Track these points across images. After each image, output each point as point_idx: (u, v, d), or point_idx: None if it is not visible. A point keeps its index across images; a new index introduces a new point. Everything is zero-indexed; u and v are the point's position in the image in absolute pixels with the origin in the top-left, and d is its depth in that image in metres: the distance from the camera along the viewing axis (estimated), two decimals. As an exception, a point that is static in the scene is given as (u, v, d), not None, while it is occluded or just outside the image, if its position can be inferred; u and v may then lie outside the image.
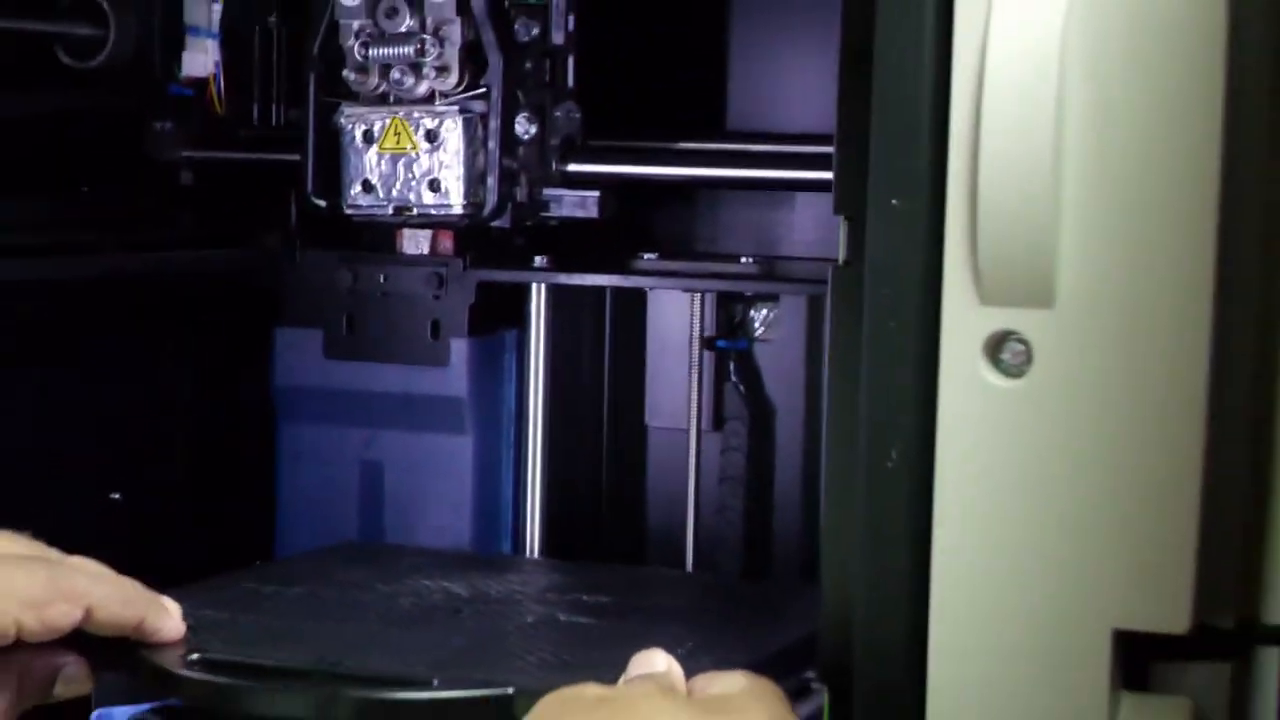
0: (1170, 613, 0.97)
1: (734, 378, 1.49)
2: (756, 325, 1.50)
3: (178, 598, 1.18)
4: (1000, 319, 0.98)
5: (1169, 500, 0.98)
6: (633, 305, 1.51)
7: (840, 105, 1.03)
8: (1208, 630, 0.98)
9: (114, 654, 1.10)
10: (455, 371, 1.46)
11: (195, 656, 1.12)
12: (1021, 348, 0.97)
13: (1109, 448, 0.99)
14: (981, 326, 0.98)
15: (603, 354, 1.53)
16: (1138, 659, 1.01)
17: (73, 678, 1.06)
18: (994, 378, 0.97)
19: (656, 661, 0.97)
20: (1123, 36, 0.97)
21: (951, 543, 1.02)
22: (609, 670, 1.08)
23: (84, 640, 1.07)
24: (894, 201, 0.99)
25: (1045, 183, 0.97)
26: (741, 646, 1.07)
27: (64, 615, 1.03)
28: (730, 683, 0.94)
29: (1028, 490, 1.00)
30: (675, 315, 1.50)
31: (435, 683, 1.13)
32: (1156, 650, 1.01)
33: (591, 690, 0.92)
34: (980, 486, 1.00)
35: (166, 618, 1.08)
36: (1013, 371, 0.97)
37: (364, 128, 1.35)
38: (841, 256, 1.03)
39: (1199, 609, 0.97)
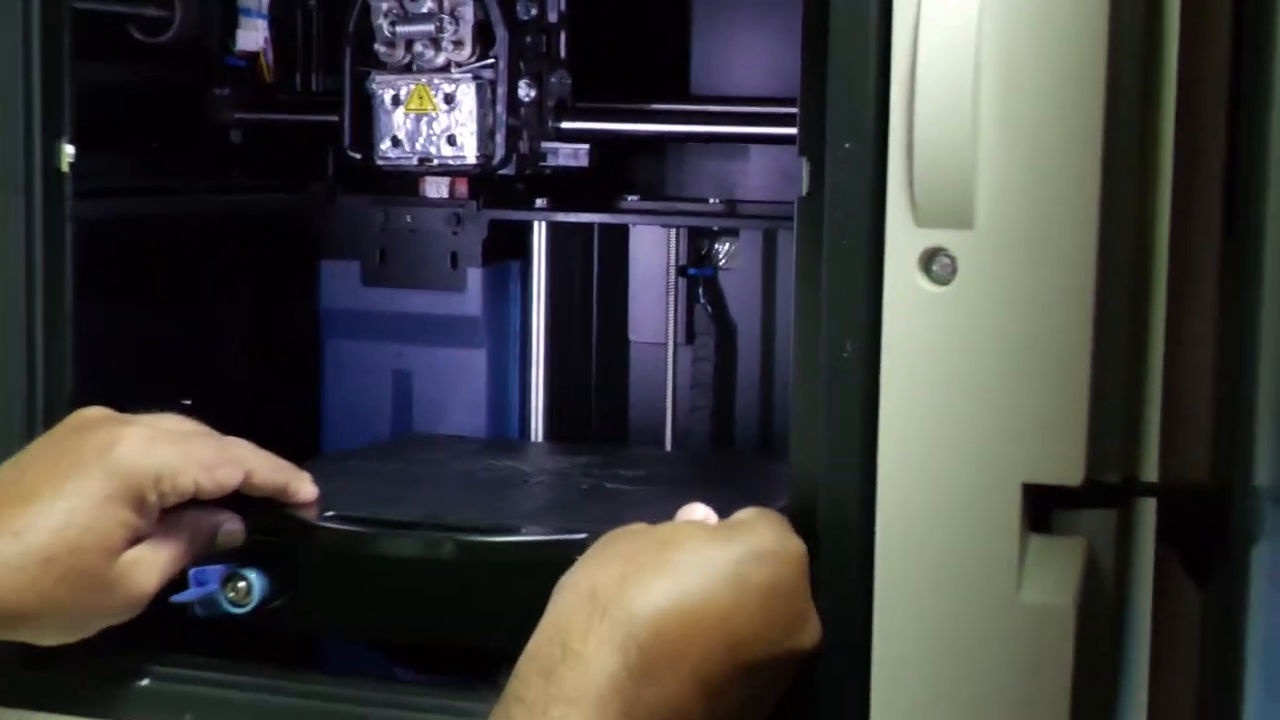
0: (1067, 469, 1.03)
1: (702, 300, 1.52)
2: (720, 256, 1.53)
3: None
4: (931, 238, 1.03)
5: (1065, 380, 1.03)
6: (617, 239, 1.55)
7: (804, 70, 1.07)
8: (1097, 484, 1.04)
9: (261, 513, 1.17)
10: (471, 295, 1.48)
11: (330, 513, 1.18)
12: (948, 261, 1.02)
13: (1018, 338, 1.04)
14: (916, 244, 1.03)
15: (592, 280, 1.56)
16: (1042, 507, 1.06)
17: (231, 532, 1.13)
18: (927, 285, 1.03)
19: (696, 510, 1.05)
20: (1025, 17, 1.01)
21: (895, 416, 1.07)
22: (656, 521, 1.11)
23: (238, 502, 1.13)
24: (846, 145, 1.04)
25: (965, 131, 1.01)
26: (756, 500, 1.11)
27: (230, 477, 1.10)
28: (743, 513, 1.03)
29: (954, 373, 1.05)
30: (652, 248, 1.54)
31: (523, 530, 1.18)
32: (1057, 500, 1.06)
33: (639, 526, 1.01)
34: (916, 371, 1.05)
35: (305, 483, 1.15)
36: (941, 280, 1.03)
37: (392, 92, 1.39)
38: (804, 189, 1.07)
39: (1090, 466, 1.03)
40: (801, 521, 1.08)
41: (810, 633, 1.01)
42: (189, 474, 1.08)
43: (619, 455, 1.47)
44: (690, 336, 1.54)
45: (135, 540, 1.07)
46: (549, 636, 0.94)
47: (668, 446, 1.53)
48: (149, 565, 1.08)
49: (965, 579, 1.05)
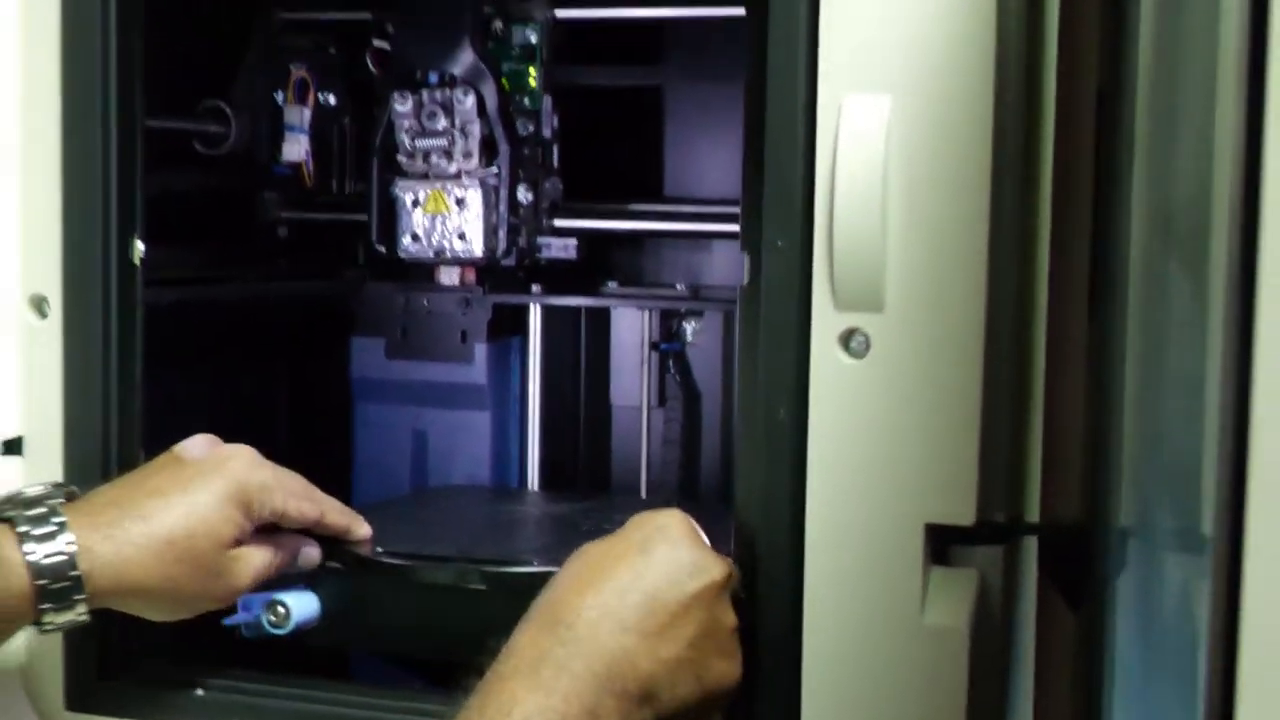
0: (961, 510, 1.03)
1: (672, 370, 1.52)
2: (688, 333, 1.53)
3: None
4: (848, 320, 1.04)
5: (959, 435, 1.03)
6: (601, 319, 1.55)
7: (744, 180, 1.07)
8: (987, 524, 1.05)
9: (328, 545, 1.18)
10: (478, 366, 1.49)
11: (380, 549, 1.19)
12: (863, 338, 1.04)
13: (920, 401, 1.04)
14: (836, 325, 1.04)
15: (580, 353, 1.55)
16: (941, 543, 1.06)
17: (309, 555, 1.14)
18: (845, 359, 1.04)
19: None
20: (924, 140, 1.01)
21: (819, 467, 1.06)
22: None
23: (307, 535, 1.15)
24: (779, 242, 1.05)
25: (875, 231, 1.02)
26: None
27: (311, 509, 1.12)
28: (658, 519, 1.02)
29: (868, 431, 1.05)
30: (630, 326, 1.54)
31: (534, 562, 1.19)
32: (954, 538, 1.06)
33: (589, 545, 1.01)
34: (837, 431, 1.05)
35: (363, 525, 1.17)
36: (858, 354, 1.04)
37: (412, 196, 1.40)
38: (745, 279, 1.07)
39: (981, 509, 1.04)
40: (743, 557, 1.07)
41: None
42: (282, 497, 1.10)
43: (606, 502, 1.46)
44: (662, 400, 1.53)
45: (240, 541, 1.08)
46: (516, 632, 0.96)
47: (643, 495, 1.52)
48: (248, 562, 1.09)
49: (878, 604, 1.05)
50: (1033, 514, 1.09)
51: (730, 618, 1.00)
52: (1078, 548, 0.99)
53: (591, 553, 1.00)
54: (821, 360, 1.05)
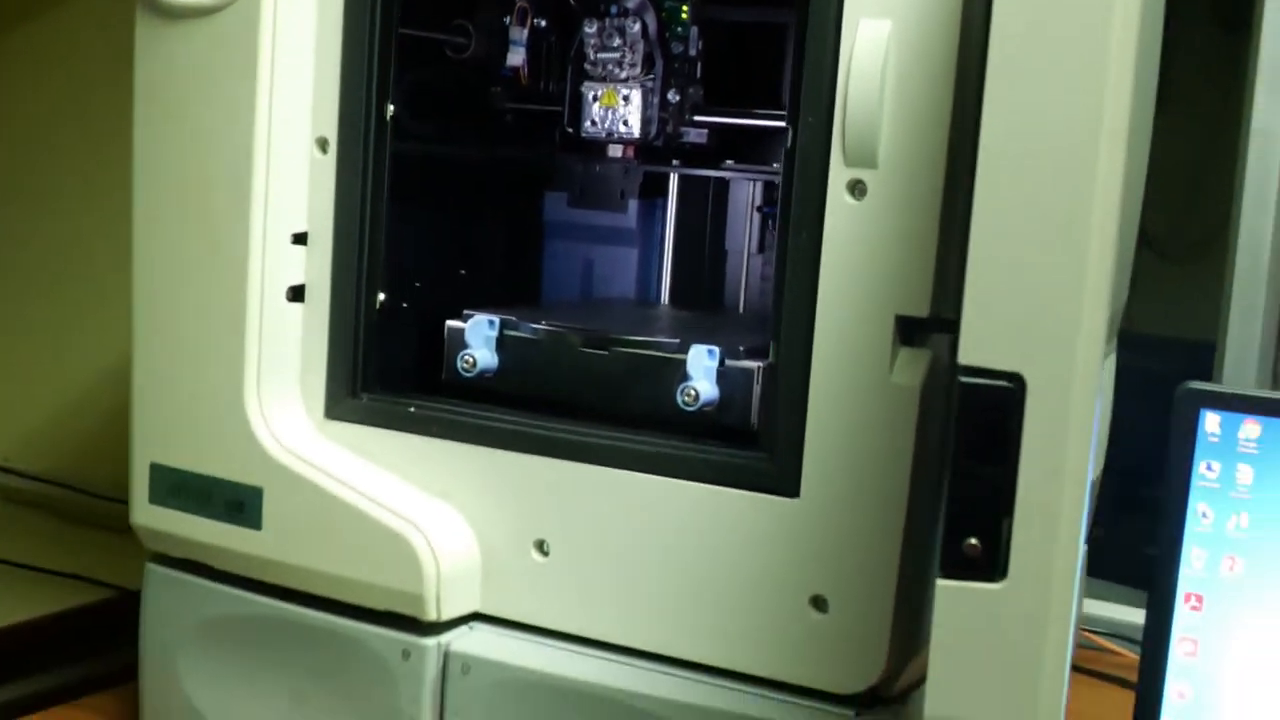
0: (920, 305, 1.09)
1: (770, 226, 1.51)
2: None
3: None
4: (854, 173, 1.10)
5: (923, 255, 1.07)
6: (721, 187, 1.54)
7: (792, 78, 1.12)
8: (938, 317, 1.09)
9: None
10: (631, 216, 1.53)
11: (544, 322, 1.27)
12: (864, 187, 1.10)
13: (896, 232, 1.08)
14: (845, 176, 1.11)
15: (705, 210, 1.55)
16: (906, 330, 1.10)
17: None
18: (850, 201, 1.11)
19: None
20: (910, 50, 1.06)
21: (827, 275, 1.11)
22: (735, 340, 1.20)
23: None
24: (810, 119, 1.11)
25: (873, 112, 1.07)
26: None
27: None
28: None
29: (864, 251, 1.10)
30: (741, 194, 1.55)
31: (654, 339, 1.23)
32: (916, 326, 1.10)
33: None
34: (841, 251, 1.11)
35: None
36: (859, 198, 1.10)
37: (593, 93, 1.43)
38: (788, 144, 1.12)
39: (934, 306, 1.08)
40: (780, 335, 1.12)
41: None
42: None
43: (715, 313, 1.51)
44: (761, 248, 1.54)
45: None
46: None
47: (741, 311, 1.53)
48: None
49: (860, 371, 1.11)
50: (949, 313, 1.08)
51: None
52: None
53: None
54: (833, 201, 1.11)
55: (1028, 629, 0.75)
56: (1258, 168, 1.66)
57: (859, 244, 1.11)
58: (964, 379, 0.76)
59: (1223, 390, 1.28)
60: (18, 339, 2.17)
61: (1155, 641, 1.18)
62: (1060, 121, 0.83)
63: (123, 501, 1.41)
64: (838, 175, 1.11)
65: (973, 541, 0.75)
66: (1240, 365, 1.67)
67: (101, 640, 1.64)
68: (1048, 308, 0.74)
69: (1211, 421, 1.26)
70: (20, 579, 1.73)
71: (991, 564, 0.75)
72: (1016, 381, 0.74)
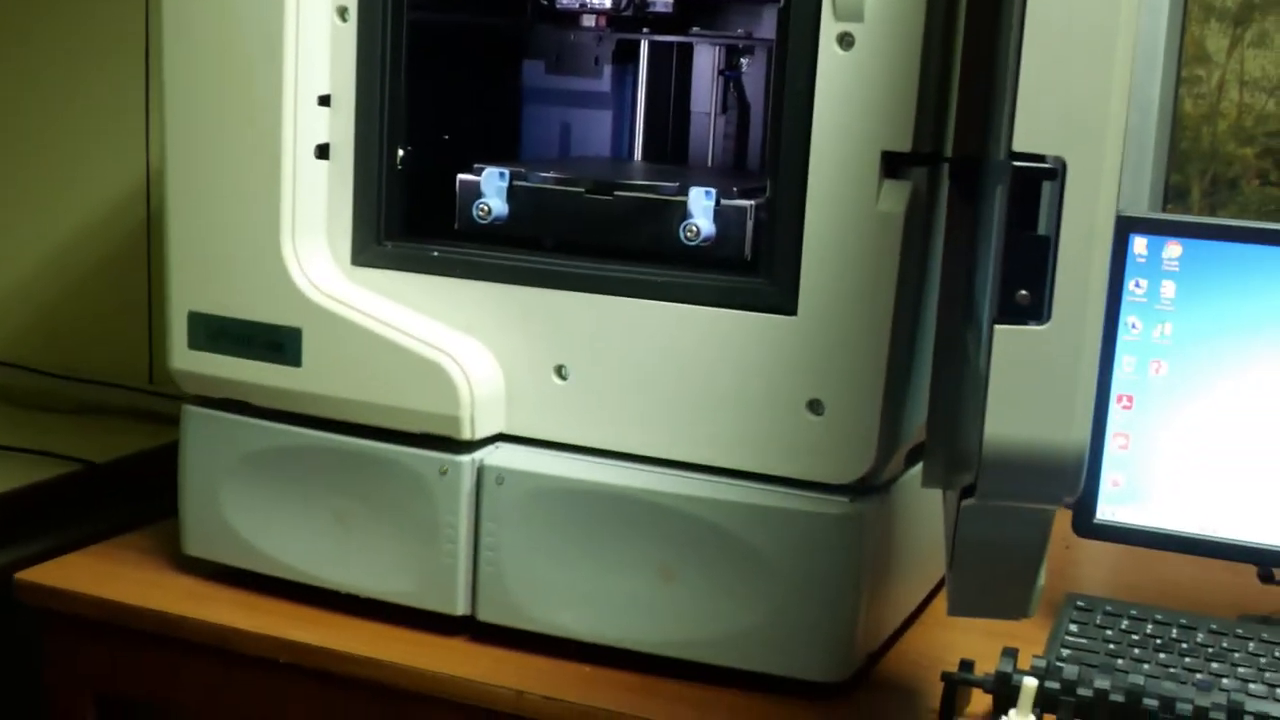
0: (901, 141, 1.18)
1: (732, 89, 1.51)
2: (744, 64, 1.55)
3: None
4: (843, 26, 1.21)
5: (904, 96, 1.17)
6: (686, 52, 1.53)
7: None
8: (917, 152, 1.19)
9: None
10: (604, 80, 1.59)
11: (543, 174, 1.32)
12: (851, 39, 1.20)
13: (881, 76, 1.17)
14: (835, 29, 1.20)
15: (671, 73, 1.53)
16: (891, 164, 1.19)
17: None
18: (840, 51, 1.20)
19: None
20: None
21: (821, 115, 1.20)
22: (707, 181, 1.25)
23: None
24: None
25: None
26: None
27: None
28: None
29: (854, 95, 1.18)
30: (706, 58, 1.54)
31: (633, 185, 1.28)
32: (899, 160, 1.19)
33: None
34: (833, 94, 1.18)
35: None
36: (847, 49, 1.20)
37: None
38: (782, 3, 1.20)
39: (915, 142, 1.18)
40: (776, 169, 1.20)
41: None
42: None
43: (684, 168, 1.55)
44: (724, 109, 1.58)
45: None
46: None
47: (708, 164, 1.58)
48: None
49: (850, 200, 1.21)
50: (948, 149, 1.23)
51: None
52: (971, 171, 1.12)
53: None
54: (824, 52, 1.21)
55: (1068, 358, 0.91)
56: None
57: (848, 90, 1.20)
58: (1018, 164, 0.90)
59: (1148, 216, 1.47)
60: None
61: (1093, 437, 1.25)
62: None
63: (77, 379, 1.54)
64: (828, 29, 1.20)
65: (1024, 292, 0.90)
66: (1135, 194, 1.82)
67: (75, 510, 1.71)
68: (1086, 105, 0.89)
69: (1139, 244, 1.45)
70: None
71: (1039, 309, 0.89)
72: (1059, 164, 0.89)
